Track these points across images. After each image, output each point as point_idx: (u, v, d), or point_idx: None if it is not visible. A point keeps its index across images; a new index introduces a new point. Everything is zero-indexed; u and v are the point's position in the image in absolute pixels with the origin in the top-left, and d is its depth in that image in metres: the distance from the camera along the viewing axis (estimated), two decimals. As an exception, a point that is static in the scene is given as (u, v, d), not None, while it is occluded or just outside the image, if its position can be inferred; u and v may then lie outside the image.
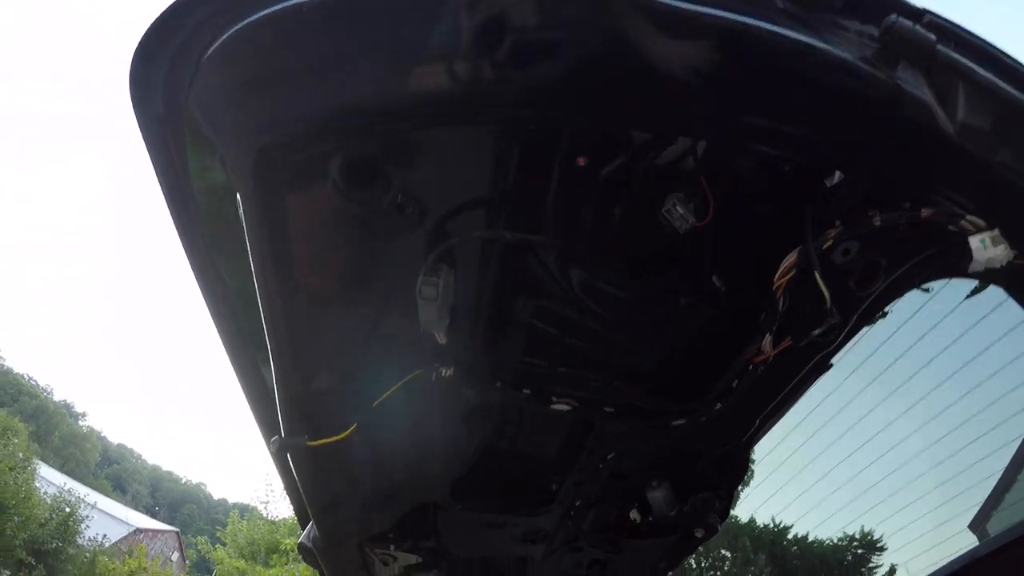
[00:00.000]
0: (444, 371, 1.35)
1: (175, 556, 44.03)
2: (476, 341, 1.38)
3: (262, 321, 1.23)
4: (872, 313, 1.46)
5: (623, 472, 1.90)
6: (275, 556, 18.91)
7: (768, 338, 1.38)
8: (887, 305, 1.48)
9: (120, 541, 34.86)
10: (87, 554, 25.65)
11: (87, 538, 26.96)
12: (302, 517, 2.08)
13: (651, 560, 2.29)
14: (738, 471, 1.97)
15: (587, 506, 2.04)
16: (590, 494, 1.99)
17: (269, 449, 1.53)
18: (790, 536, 19.23)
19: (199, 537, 23.56)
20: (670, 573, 2.51)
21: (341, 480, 1.63)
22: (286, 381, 1.33)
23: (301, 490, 1.65)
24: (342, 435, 1.40)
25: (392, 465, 1.66)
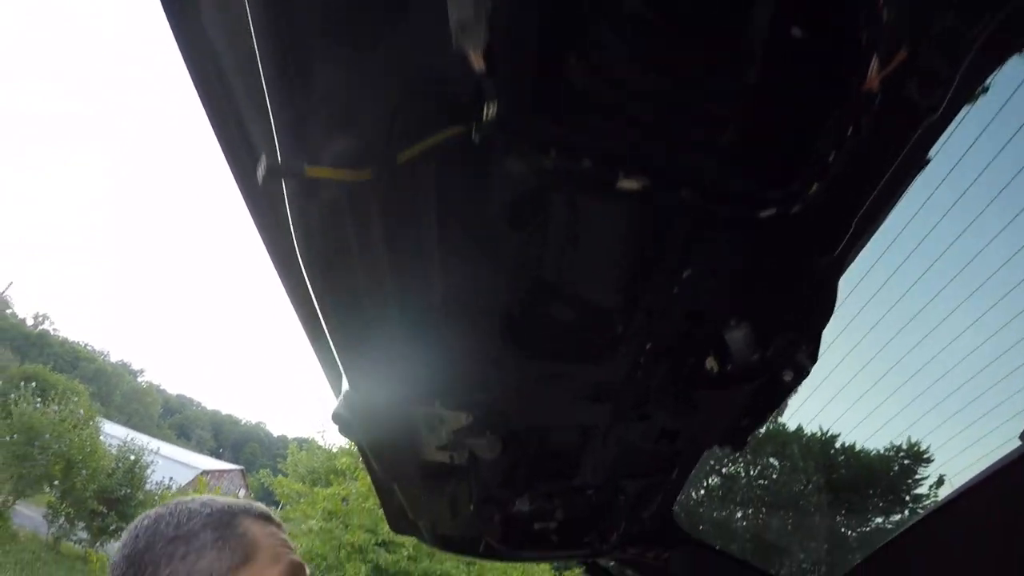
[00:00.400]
0: (487, 111, 1.00)
1: (241, 492, 45.92)
2: (521, 88, 1.05)
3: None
4: (977, 78, 1.14)
5: (698, 309, 1.61)
6: (333, 476, 19.52)
7: (875, 62, 1.05)
8: (992, 69, 1.15)
9: (188, 484, 36.41)
10: (155, 497, 26.74)
11: (154, 483, 28.17)
12: (330, 372, 1.82)
13: (731, 417, 2.03)
14: (825, 307, 1.67)
15: (657, 355, 1.76)
16: (661, 336, 1.70)
17: (258, 188, 1.17)
18: (837, 445, 19.33)
19: (261, 471, 24.37)
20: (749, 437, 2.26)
21: (352, 256, 1.27)
22: (281, 100, 0.98)
23: (305, 272, 1.30)
24: (353, 174, 1.05)
25: (422, 271, 1.35)
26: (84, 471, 24.66)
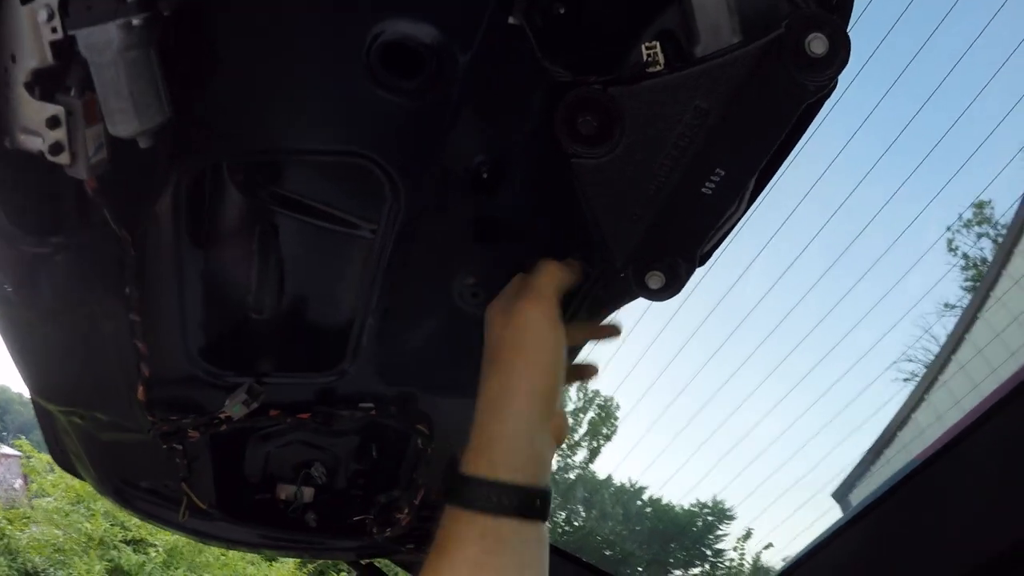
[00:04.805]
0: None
1: (18, 483, 40.91)
2: None
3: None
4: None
5: None
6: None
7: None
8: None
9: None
10: None
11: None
12: None
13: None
14: None
15: None
16: None
17: None
18: (645, 497, 19.96)
19: (20, 440, 20.38)
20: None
21: None
22: None
23: None
24: None
25: None
26: None
